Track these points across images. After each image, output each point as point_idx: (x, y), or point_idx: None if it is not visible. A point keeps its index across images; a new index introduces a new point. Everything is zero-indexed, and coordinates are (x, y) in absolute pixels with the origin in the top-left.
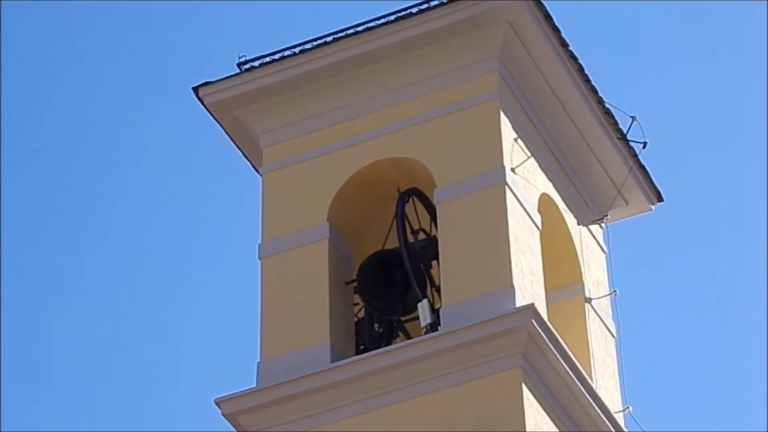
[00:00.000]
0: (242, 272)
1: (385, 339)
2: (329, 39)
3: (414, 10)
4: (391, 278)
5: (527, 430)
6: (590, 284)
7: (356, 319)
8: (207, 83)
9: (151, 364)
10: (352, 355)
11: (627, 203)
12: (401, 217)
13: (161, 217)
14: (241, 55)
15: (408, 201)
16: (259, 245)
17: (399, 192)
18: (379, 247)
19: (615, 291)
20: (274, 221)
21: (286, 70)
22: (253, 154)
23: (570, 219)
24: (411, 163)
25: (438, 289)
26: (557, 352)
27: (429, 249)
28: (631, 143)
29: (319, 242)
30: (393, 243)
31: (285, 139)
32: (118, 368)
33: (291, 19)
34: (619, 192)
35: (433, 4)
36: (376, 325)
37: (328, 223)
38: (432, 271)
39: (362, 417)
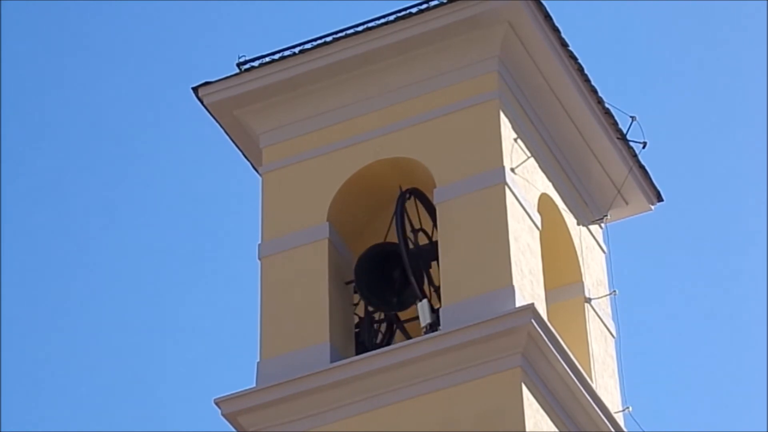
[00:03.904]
0: (242, 272)
1: (385, 339)
2: (329, 39)
3: (414, 10)
4: (388, 274)
5: (527, 430)
6: (590, 284)
7: (356, 319)
8: (207, 83)
9: (151, 364)
10: (352, 355)
11: (627, 203)
12: (401, 215)
13: (161, 217)
14: (241, 55)
15: (408, 200)
16: (259, 245)
17: (400, 190)
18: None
19: (615, 291)
20: (274, 221)
21: (286, 70)
22: (253, 154)
23: (570, 219)
24: (411, 163)
25: (437, 289)
26: (557, 352)
27: (429, 251)
28: (631, 143)
29: (319, 242)
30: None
31: (285, 139)
32: (118, 368)
33: (291, 19)
34: (619, 192)
35: (433, 4)
36: (376, 325)
37: (328, 223)
38: (431, 271)
39: (362, 417)
